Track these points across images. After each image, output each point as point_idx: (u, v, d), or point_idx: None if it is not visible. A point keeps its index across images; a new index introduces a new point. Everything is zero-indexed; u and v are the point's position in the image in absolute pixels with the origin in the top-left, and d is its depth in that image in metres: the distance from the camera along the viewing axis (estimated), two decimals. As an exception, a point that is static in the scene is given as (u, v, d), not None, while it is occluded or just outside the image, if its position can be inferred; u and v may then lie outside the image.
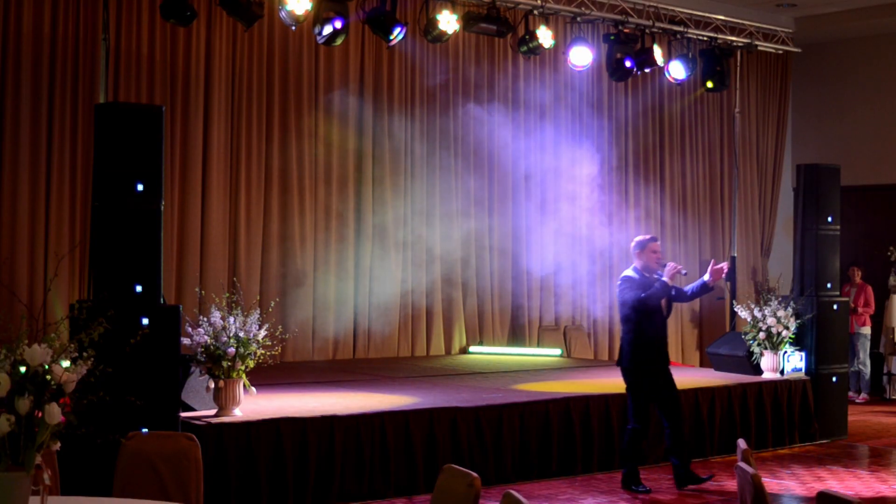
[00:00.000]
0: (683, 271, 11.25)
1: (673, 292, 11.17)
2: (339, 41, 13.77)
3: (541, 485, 11.30)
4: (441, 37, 14.65)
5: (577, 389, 12.71)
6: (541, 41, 15.33)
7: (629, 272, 11.11)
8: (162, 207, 9.77)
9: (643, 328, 10.99)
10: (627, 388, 11.16)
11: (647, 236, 11.52)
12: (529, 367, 15.24)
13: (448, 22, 14.44)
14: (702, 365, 18.09)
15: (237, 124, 15.04)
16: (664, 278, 10.96)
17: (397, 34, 13.97)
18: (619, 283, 11.19)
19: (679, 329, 18.93)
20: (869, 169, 20.22)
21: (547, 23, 15.54)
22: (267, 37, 15.24)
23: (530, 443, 11.57)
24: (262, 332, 10.17)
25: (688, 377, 14.31)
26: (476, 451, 11.12)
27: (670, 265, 11.06)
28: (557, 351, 17.01)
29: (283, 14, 13.15)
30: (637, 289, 10.92)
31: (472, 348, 16.73)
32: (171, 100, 14.37)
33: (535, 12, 15.56)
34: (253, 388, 10.27)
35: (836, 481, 11.77)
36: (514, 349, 16.91)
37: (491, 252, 17.10)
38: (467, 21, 14.93)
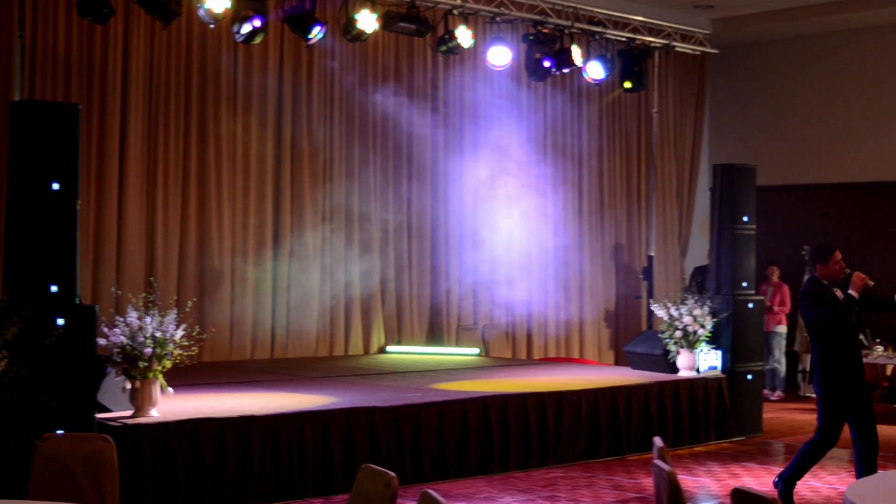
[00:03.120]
0: (871, 283, 10.43)
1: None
2: (257, 40, 13.72)
3: (459, 484, 11.31)
4: (360, 36, 14.63)
5: (494, 388, 12.74)
6: (460, 41, 15.37)
7: (809, 286, 10.42)
8: (78, 206, 9.68)
9: (834, 346, 10.30)
10: (822, 406, 10.35)
11: (826, 244, 10.75)
12: (448, 366, 15.25)
13: (367, 21, 14.41)
14: (618, 363, 18.21)
15: (155, 123, 14.92)
16: (851, 291, 10.23)
17: (316, 33, 13.94)
18: (799, 299, 10.49)
19: (595, 327, 19.05)
20: (785, 169, 20.48)
21: (466, 22, 15.58)
22: (185, 35, 15.13)
23: (448, 442, 11.58)
24: (180, 333, 10.10)
25: (605, 376, 14.44)
26: (394, 450, 11.11)
27: (857, 276, 10.30)
28: (475, 350, 17.05)
29: (201, 12, 13.06)
30: (821, 307, 10.23)
31: (390, 348, 16.72)
32: (87, 98, 14.21)
33: (455, 12, 15.59)
34: (170, 389, 10.19)
35: (752, 478, 11.90)
36: (432, 348, 16.92)
37: (410, 251, 17.10)
38: (387, 20, 14.92)
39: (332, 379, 13.50)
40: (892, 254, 19.69)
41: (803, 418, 16.27)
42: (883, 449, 13.69)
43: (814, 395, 18.34)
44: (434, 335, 17.29)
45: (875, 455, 10.20)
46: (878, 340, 18.35)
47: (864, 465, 10.17)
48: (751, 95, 21.31)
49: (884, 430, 15.14)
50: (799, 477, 10.30)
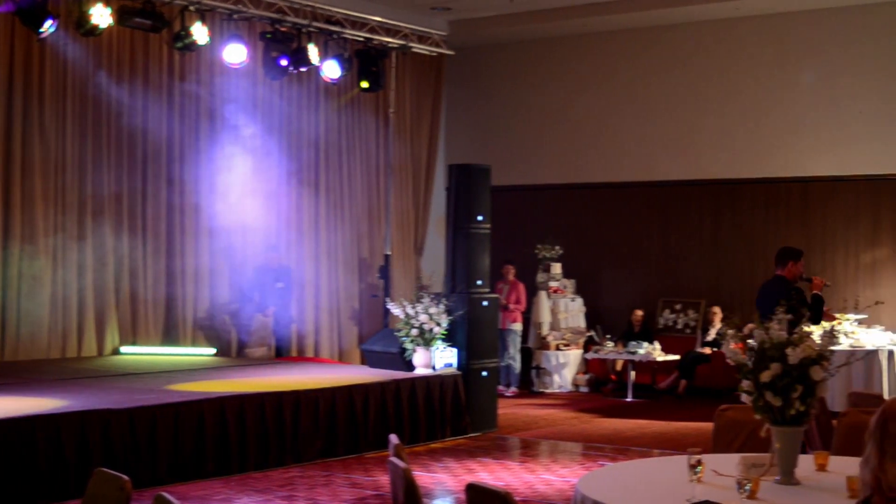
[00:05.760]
0: (828, 283, 12.28)
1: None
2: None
3: (196, 485, 11.18)
4: (94, 30, 14.32)
5: (231, 388, 12.64)
6: (195, 38, 15.21)
7: (781, 284, 11.91)
8: None
9: None
10: None
11: (797, 248, 12.52)
12: (184, 366, 15.04)
13: (101, 15, 14.12)
14: (363, 362, 18.25)
15: None
16: (816, 292, 12.02)
17: (48, 27, 13.57)
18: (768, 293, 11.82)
19: (337, 326, 19.05)
20: (519, 169, 20.90)
21: (203, 19, 15.40)
22: None
23: (185, 443, 11.43)
24: None
25: (343, 374, 14.49)
26: (129, 453, 10.90)
27: (817, 279, 12.31)
28: (212, 350, 16.88)
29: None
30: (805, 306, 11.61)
31: (124, 348, 16.35)
32: None
33: (191, 8, 15.40)
34: None
35: (488, 473, 12.11)
36: (167, 349, 16.65)
37: (145, 250, 16.76)
38: (121, 15, 14.64)
39: (64, 381, 13.13)
40: (620, 251, 20.32)
41: (537, 413, 16.64)
42: (612, 442, 14.17)
43: (547, 391, 18.92)
44: (170, 335, 16.99)
45: None
46: (608, 336, 18.94)
47: None
48: (487, 97, 21.68)
49: (614, 424, 15.68)
50: None
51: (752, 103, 19.07)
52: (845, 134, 18.17)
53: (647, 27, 19.89)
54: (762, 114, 18.96)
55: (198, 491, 10.97)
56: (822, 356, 6.04)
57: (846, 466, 6.18)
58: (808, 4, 18.23)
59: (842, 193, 18.32)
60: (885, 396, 12.38)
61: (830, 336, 6.19)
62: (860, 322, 16.44)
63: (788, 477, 6.02)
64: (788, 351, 6.00)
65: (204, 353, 16.74)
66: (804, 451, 6.41)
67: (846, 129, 18.16)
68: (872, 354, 15.70)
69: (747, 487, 5.43)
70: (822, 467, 6.35)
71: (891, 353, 15.70)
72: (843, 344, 15.49)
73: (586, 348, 19.43)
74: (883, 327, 16.61)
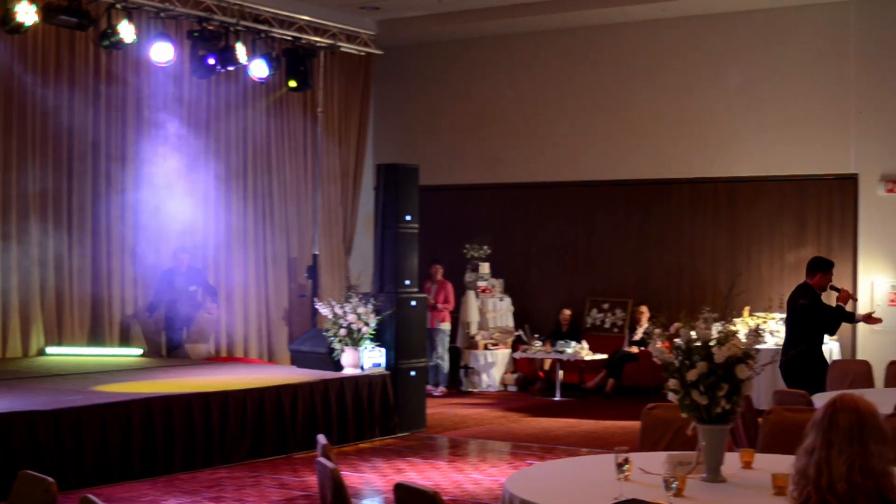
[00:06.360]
0: (856, 297, 13.15)
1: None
2: None
3: (123, 487, 11.10)
4: (19, 28, 14.15)
5: (159, 389, 12.56)
6: (122, 36, 15.07)
7: (810, 292, 12.29)
8: None
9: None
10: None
11: (828, 259, 12.76)
12: (110, 367, 14.91)
13: (27, 13, 13.96)
14: (294, 363, 18.18)
15: None
16: (840, 304, 12.41)
17: (-30, 24, 13.42)
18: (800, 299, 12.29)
19: (265, 326, 18.96)
20: (447, 169, 20.93)
21: (129, 17, 15.27)
22: None
23: (111, 445, 11.34)
24: None
25: (270, 375, 14.43)
26: (55, 455, 10.80)
27: (845, 291, 12.59)
28: (139, 351, 16.75)
29: None
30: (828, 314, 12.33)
31: (50, 349, 16.18)
32: None
33: (118, 6, 15.26)
34: None
35: (416, 473, 12.12)
36: (94, 349, 16.49)
37: (71, 250, 16.58)
38: (47, 12, 14.49)
39: (-12, 383, 13.01)
40: (548, 251, 20.39)
41: (465, 413, 16.67)
42: (540, 441, 14.23)
43: (475, 391, 18.98)
44: (96, 336, 16.83)
45: None
46: (536, 336, 19.01)
47: None
48: (415, 96, 21.69)
49: (542, 423, 15.74)
50: None
51: (680, 104, 19.21)
52: (771, 135, 18.34)
53: (575, 28, 19.97)
54: (689, 114, 19.11)
55: (124, 493, 10.89)
56: (747, 355, 6.10)
57: (772, 464, 6.25)
58: (733, 7, 18.39)
59: (768, 193, 18.49)
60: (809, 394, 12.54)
61: (756, 335, 6.25)
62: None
63: (715, 474, 6.07)
64: (714, 350, 6.05)
65: (131, 353, 16.60)
66: (730, 449, 6.47)
67: (772, 130, 18.33)
68: (797, 353, 15.89)
69: (674, 485, 5.47)
70: (747, 465, 6.41)
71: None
72: (768, 343, 15.66)
73: (514, 348, 19.49)
74: (807, 326, 16.80)
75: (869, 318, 12.94)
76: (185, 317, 17.04)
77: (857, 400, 4.51)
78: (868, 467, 4.36)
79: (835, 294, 12.58)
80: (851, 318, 12.97)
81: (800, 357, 11.69)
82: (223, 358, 17.67)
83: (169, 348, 17.15)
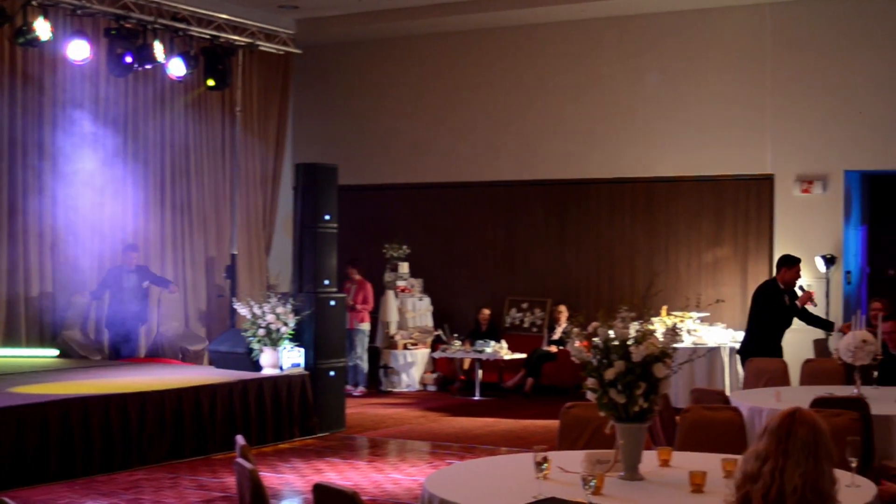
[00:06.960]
0: (815, 304, 13.62)
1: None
2: None
3: (39, 490, 10.97)
4: (-70, 24, 13.97)
5: (76, 390, 12.41)
6: (38, 33, 14.87)
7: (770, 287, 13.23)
8: None
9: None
10: None
11: (796, 257, 13.36)
12: (26, 368, 14.73)
13: (-62, 9, 13.78)
14: (212, 363, 18.07)
15: None
16: (796, 302, 13.17)
17: None
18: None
19: (184, 326, 18.82)
20: (366, 168, 20.91)
21: (45, 15, 15.08)
22: None
23: (27, 447, 11.20)
24: None
25: (189, 375, 14.33)
26: (-31, 457, 10.68)
27: (806, 293, 13.26)
28: (55, 351, 16.56)
29: None
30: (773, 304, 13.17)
31: (-36, 351, 16.01)
32: None
33: (34, 3, 15.07)
34: None
35: (336, 473, 12.10)
36: (8, 350, 16.28)
37: (-15, 250, 16.39)
38: (-40, 9, 14.31)
39: None
40: (467, 251, 20.43)
41: (385, 412, 16.66)
42: (460, 440, 14.26)
43: (394, 391, 18.99)
44: (11, 336, 16.61)
45: None
46: (455, 335, 19.04)
47: None
48: (334, 96, 21.64)
49: (461, 422, 15.78)
50: None
51: (599, 104, 19.31)
52: (689, 135, 18.49)
53: (494, 28, 20.02)
54: (608, 115, 19.22)
55: (41, 495, 10.77)
56: (664, 354, 6.15)
57: (689, 461, 6.31)
58: (650, 7, 18.53)
59: (685, 193, 18.64)
60: (727, 392, 12.70)
61: (673, 334, 6.30)
62: (702, 320, 16.81)
63: (632, 472, 6.12)
64: (632, 349, 6.10)
65: (46, 354, 16.41)
66: (648, 448, 6.52)
67: (689, 131, 18.48)
68: (714, 352, 16.11)
69: (592, 483, 5.50)
70: (665, 463, 6.47)
71: (732, 350, 16.04)
72: (686, 342, 15.83)
73: (434, 347, 19.50)
74: (724, 325, 17.00)
75: (806, 298, 13.36)
76: (138, 314, 16.91)
77: (814, 415, 4.52)
78: (819, 487, 4.35)
79: (798, 294, 13.16)
80: (827, 325, 13.99)
81: (758, 349, 12.81)
82: (141, 359, 17.50)
83: (110, 348, 17.02)
